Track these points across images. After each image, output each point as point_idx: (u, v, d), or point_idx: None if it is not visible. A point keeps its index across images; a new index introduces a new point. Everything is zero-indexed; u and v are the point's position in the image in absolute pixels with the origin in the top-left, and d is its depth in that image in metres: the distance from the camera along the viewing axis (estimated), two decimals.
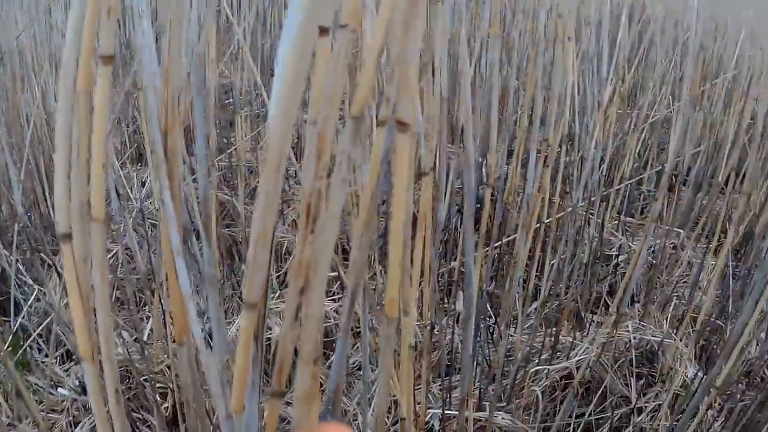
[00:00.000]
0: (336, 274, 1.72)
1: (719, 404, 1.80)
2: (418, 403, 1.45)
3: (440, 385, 1.52)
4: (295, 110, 0.38)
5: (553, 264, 1.58)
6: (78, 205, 0.55)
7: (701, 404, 1.67)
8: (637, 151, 2.18)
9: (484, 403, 1.50)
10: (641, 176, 2.15)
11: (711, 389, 1.18)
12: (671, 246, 2.08)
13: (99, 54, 0.53)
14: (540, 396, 1.46)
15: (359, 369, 1.65)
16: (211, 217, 0.66)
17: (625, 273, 1.98)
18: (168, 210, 0.56)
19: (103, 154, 0.52)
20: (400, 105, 0.48)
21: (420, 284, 1.44)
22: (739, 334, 1.33)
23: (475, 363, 1.46)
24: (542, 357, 1.56)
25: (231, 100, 2.74)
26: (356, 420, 1.57)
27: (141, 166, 2.51)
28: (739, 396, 1.81)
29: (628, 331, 1.67)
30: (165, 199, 0.56)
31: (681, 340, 1.70)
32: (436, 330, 1.50)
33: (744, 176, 2.00)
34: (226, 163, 2.28)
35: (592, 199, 1.64)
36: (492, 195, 1.82)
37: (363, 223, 0.52)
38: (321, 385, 0.64)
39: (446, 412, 1.46)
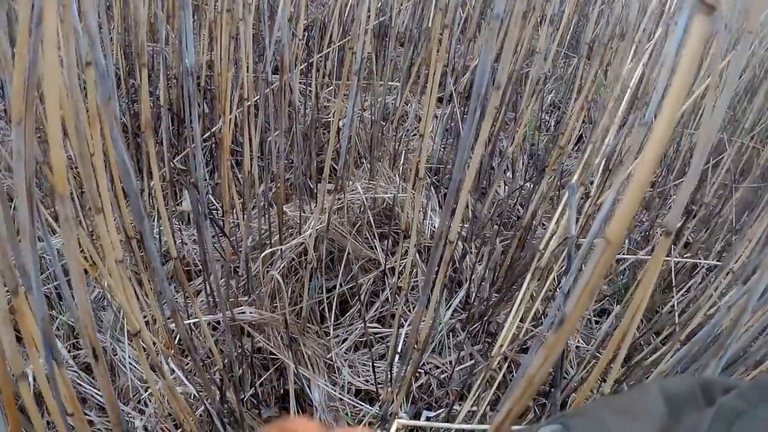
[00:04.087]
0: None
1: (476, 247, 1.93)
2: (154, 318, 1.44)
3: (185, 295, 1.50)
4: None
5: (266, 141, 1.59)
6: None
7: (447, 252, 1.77)
8: (344, 16, 2.23)
9: (231, 300, 1.50)
10: (348, 38, 2.21)
11: (447, 240, 1.24)
12: (393, 101, 2.17)
13: None
14: (280, 280, 1.49)
15: None
16: None
17: (349, 137, 2.05)
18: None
19: None
20: None
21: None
22: (459, 177, 1.40)
23: (209, 261, 1.45)
24: (274, 239, 1.58)
25: None
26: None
27: None
28: (496, 238, 1.95)
29: (358, 193, 1.73)
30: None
31: (420, 193, 1.79)
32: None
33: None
34: None
35: (288, 66, 1.65)
36: (199, 85, 1.79)
37: None
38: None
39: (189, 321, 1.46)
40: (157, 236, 1.56)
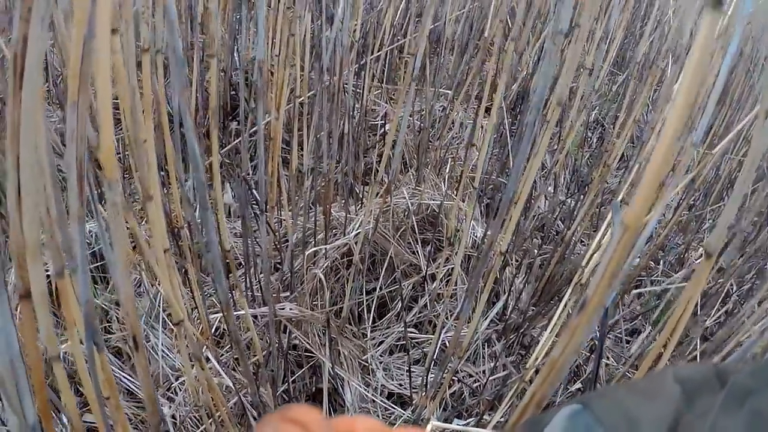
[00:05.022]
0: None
1: (517, 260, 1.94)
2: (196, 308, 1.46)
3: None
4: None
5: (311, 139, 1.61)
6: None
7: (495, 264, 1.78)
8: (397, 20, 2.25)
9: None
10: (401, 42, 2.23)
11: (496, 252, 1.25)
12: (440, 109, 2.19)
13: None
14: (323, 278, 1.51)
15: None
16: None
17: (394, 141, 2.07)
18: None
19: None
20: None
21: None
22: (513, 190, 1.41)
23: (248, 255, 1.47)
24: (318, 238, 1.60)
25: None
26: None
27: None
28: (536, 251, 1.96)
29: (404, 197, 1.75)
30: None
31: (463, 201, 1.81)
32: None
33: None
34: None
35: (343, 67, 1.67)
36: (247, 80, 1.82)
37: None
38: None
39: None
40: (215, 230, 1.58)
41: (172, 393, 1.52)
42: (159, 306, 1.62)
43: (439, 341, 1.52)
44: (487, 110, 2.23)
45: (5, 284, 0.60)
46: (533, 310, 1.75)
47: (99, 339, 0.81)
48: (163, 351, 1.54)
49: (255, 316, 1.55)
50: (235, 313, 1.48)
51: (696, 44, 0.50)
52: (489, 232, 1.72)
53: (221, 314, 1.51)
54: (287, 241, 1.63)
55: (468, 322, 1.34)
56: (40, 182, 0.56)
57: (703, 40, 0.49)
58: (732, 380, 0.44)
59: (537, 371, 1.60)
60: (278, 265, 1.63)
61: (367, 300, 1.65)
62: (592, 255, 1.59)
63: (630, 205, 0.58)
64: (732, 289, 2.11)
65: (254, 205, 1.60)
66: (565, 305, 1.52)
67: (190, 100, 1.81)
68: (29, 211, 0.52)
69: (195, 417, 1.47)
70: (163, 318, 1.63)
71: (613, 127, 2.66)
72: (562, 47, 1.76)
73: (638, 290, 2.12)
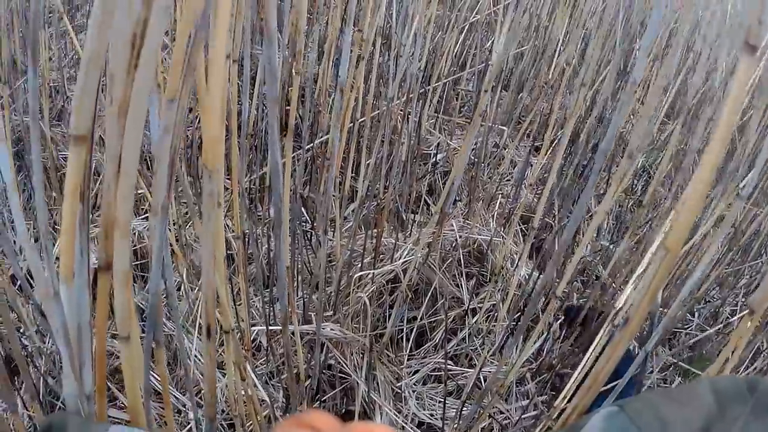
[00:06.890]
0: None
1: (558, 303, 1.95)
2: (241, 320, 1.49)
3: (263, 299, 1.56)
4: None
5: (368, 163, 1.65)
6: None
7: (539, 305, 1.80)
8: (455, 52, 2.29)
9: (310, 314, 1.56)
10: (460, 74, 2.27)
11: (550, 297, 1.27)
12: (493, 144, 2.22)
13: (71, 134, 0.51)
14: (368, 302, 1.54)
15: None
16: None
17: (444, 172, 2.10)
18: None
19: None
20: None
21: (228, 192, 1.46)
22: (570, 240, 1.42)
23: (296, 272, 1.51)
24: (365, 261, 1.63)
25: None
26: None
27: None
28: (576, 295, 1.98)
29: (453, 230, 1.78)
30: None
31: (511, 239, 1.83)
32: (248, 239, 1.55)
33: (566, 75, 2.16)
34: None
35: (410, 96, 1.71)
36: (302, 96, 1.86)
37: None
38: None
39: (270, 327, 1.52)
40: (255, 241, 1.62)
41: (200, 399, 1.55)
42: (198, 311, 1.65)
43: (476, 375, 1.54)
44: (537, 149, 2.26)
45: (87, 252, 0.62)
46: (569, 349, 1.77)
47: (159, 334, 0.83)
48: (196, 357, 1.57)
49: (293, 333, 1.59)
50: (274, 328, 1.52)
51: (733, 85, 0.54)
52: (541, 275, 1.74)
53: (261, 327, 1.55)
54: (332, 261, 1.66)
55: (509, 360, 1.36)
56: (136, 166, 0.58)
57: (740, 83, 0.53)
58: (760, 388, 0.47)
59: (562, 411, 1.62)
60: (317, 285, 1.66)
61: (406, 328, 1.68)
62: (625, 300, 1.61)
63: (672, 230, 0.62)
64: (763, 346, 2.11)
65: (304, 223, 1.64)
66: (595, 347, 1.53)
67: (249, 113, 1.85)
68: (125, 190, 0.55)
69: (224, 425, 1.50)
70: (200, 324, 1.66)
71: (661, 178, 2.68)
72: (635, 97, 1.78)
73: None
